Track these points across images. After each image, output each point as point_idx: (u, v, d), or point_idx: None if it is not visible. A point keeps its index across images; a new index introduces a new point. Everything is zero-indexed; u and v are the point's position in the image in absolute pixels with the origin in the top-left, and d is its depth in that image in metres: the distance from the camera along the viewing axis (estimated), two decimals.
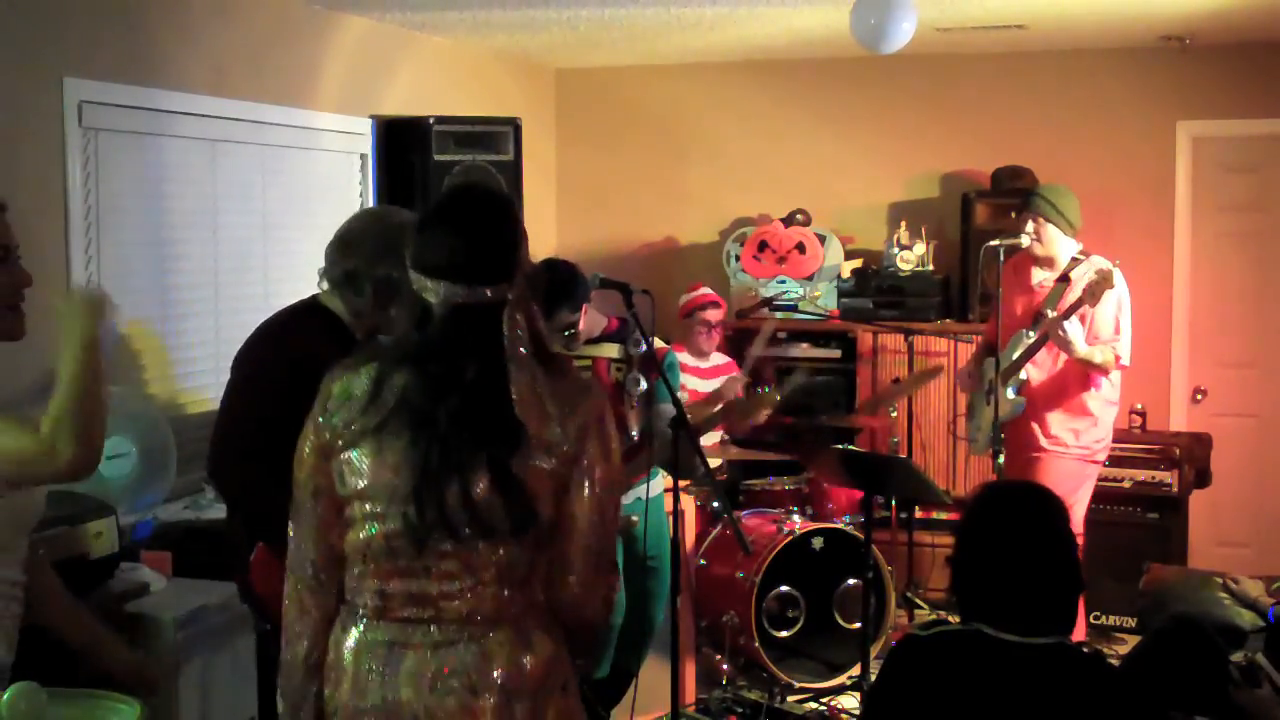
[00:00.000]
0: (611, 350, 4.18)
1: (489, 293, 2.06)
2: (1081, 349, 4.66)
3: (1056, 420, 4.81)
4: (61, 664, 2.57)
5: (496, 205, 2.17)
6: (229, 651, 3.63)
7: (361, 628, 2.10)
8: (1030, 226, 4.82)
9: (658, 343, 4.06)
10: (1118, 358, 4.74)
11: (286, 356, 2.97)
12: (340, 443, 2.09)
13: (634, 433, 4.10)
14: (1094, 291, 4.56)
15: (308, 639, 2.16)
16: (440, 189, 5.31)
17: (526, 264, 2.14)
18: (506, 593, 2.07)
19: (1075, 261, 4.84)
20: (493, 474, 2.02)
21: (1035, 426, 4.83)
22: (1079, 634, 4.71)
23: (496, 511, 2.02)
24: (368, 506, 2.07)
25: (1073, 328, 4.63)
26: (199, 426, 4.50)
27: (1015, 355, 4.83)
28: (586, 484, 2.10)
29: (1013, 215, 5.16)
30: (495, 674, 2.06)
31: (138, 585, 3.55)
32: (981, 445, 5.04)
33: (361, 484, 2.07)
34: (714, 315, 5.70)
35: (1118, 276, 4.64)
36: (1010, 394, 4.82)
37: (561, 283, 4.01)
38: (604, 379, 4.11)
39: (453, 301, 2.06)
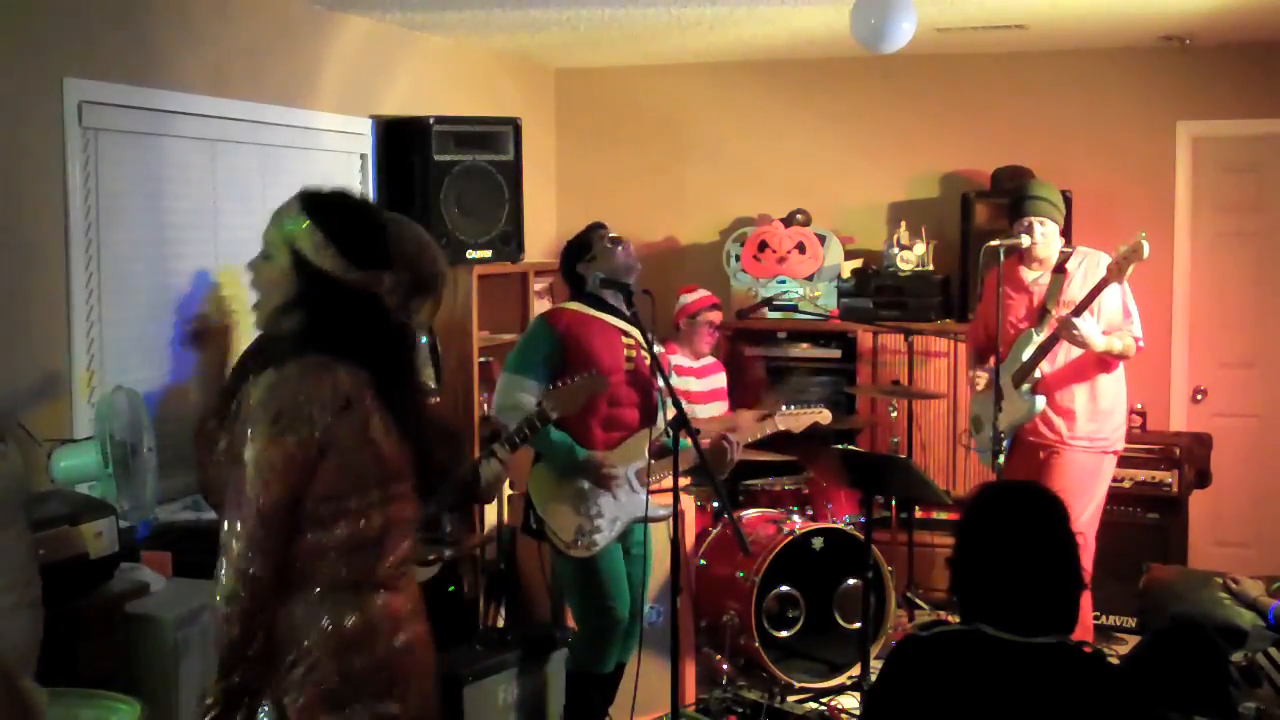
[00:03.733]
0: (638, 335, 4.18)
1: None
2: (1099, 343, 4.63)
3: (1079, 411, 4.75)
4: (61, 664, 2.57)
5: None
6: None
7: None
8: (1039, 230, 4.79)
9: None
10: (1136, 340, 4.72)
11: None
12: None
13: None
14: (1121, 265, 4.51)
15: None
16: (441, 189, 5.32)
17: None
18: None
19: (1066, 254, 4.84)
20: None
21: (1057, 420, 4.76)
22: (1086, 635, 4.68)
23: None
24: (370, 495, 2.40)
25: (1085, 325, 4.60)
26: None
27: (1026, 356, 4.78)
28: None
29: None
30: None
31: (138, 585, 3.54)
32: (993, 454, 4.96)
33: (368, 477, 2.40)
34: (716, 317, 5.72)
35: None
36: (1025, 393, 4.76)
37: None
38: (640, 361, 4.14)
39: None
